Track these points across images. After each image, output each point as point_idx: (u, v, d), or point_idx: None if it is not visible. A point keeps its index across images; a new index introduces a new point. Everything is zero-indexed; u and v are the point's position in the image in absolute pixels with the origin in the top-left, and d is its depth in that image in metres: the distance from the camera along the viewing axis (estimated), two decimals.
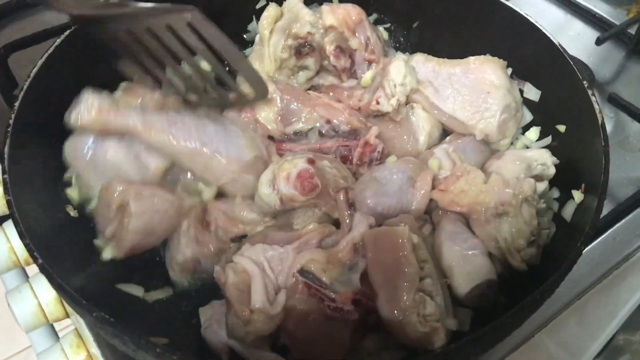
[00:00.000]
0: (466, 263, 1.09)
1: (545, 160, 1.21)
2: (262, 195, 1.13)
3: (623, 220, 1.38)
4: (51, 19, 1.62)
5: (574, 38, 1.87)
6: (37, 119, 1.14)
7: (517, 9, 1.33)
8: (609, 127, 1.61)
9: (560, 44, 1.24)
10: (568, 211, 1.14)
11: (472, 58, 1.33)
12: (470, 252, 1.10)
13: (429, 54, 1.44)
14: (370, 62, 1.39)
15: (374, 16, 1.58)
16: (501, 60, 1.32)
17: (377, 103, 1.29)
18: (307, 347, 1.00)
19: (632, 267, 1.41)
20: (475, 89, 1.30)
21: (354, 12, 1.39)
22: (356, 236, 1.06)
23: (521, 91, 1.36)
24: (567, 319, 1.34)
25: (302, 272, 1.02)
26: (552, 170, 1.20)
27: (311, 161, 1.11)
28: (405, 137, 1.32)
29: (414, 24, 1.55)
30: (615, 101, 1.61)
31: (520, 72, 1.37)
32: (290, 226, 1.13)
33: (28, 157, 1.09)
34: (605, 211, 1.28)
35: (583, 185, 1.12)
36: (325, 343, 0.99)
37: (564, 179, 1.20)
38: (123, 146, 1.15)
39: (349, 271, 1.04)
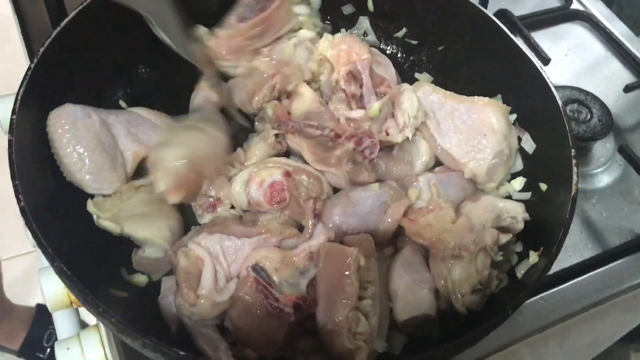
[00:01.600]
0: (411, 293, 1.16)
1: (516, 214, 1.24)
2: (234, 193, 1.22)
3: (607, 266, 1.45)
4: None
5: (608, 77, 1.86)
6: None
7: (535, 62, 1.34)
8: (616, 174, 1.65)
9: (563, 107, 1.26)
10: (521, 268, 1.19)
11: (477, 98, 1.36)
12: (417, 284, 1.17)
13: (444, 78, 1.48)
14: (380, 93, 1.42)
15: (404, 30, 1.61)
16: (505, 105, 1.35)
17: (387, 134, 1.33)
18: (245, 336, 1.09)
19: (615, 306, 1.48)
20: (474, 129, 1.34)
21: (359, 51, 1.44)
22: (314, 245, 1.13)
23: (520, 139, 1.38)
24: (547, 338, 1.43)
25: (255, 268, 1.10)
26: (520, 226, 1.24)
27: (287, 174, 1.19)
28: (402, 161, 1.37)
29: (440, 47, 1.58)
30: (624, 152, 1.61)
31: (523, 120, 1.39)
32: (254, 222, 1.21)
33: None
34: (592, 253, 1.46)
35: (541, 249, 1.16)
36: (261, 337, 1.08)
37: (529, 237, 1.24)
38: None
39: (299, 275, 1.11)
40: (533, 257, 1.17)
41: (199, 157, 1.21)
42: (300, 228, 1.23)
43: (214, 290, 1.08)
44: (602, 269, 1.45)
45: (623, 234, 1.53)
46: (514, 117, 1.39)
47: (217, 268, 1.12)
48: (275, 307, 1.08)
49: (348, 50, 1.43)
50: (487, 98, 1.36)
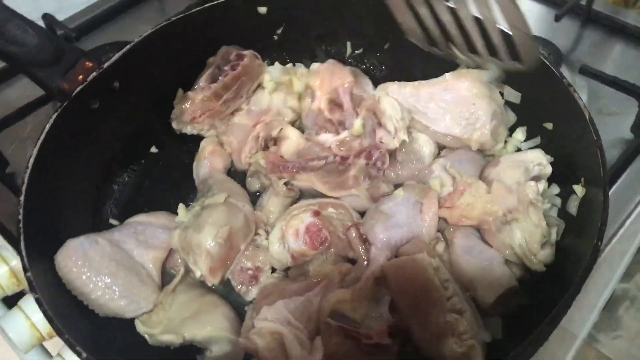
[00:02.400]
0: (486, 274, 1.13)
1: (540, 160, 1.25)
2: (274, 254, 1.17)
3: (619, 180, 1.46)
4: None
5: (534, 20, 1.93)
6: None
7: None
8: (584, 97, 1.65)
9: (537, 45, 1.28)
10: (572, 206, 1.18)
11: (447, 75, 1.37)
12: (488, 264, 1.14)
13: (405, 74, 1.48)
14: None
15: (349, 44, 1.61)
16: (474, 70, 1.35)
17: (382, 143, 1.32)
18: None
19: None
20: (459, 103, 1.34)
21: (341, 76, 1.44)
22: (376, 269, 1.09)
23: (502, 94, 1.40)
24: None
25: (334, 316, 1.04)
26: (548, 169, 1.25)
27: (316, 213, 1.15)
28: (410, 162, 1.36)
29: (385, 46, 1.59)
30: (587, 72, 1.68)
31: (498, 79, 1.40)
32: (305, 274, 1.16)
33: None
34: None
35: (582, 179, 1.16)
36: None
37: (561, 175, 1.24)
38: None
39: (377, 305, 1.06)
40: (579, 189, 1.16)
41: (231, 232, 1.15)
42: (351, 262, 1.18)
43: (307, 354, 1.01)
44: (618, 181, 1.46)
45: (618, 144, 1.55)
46: (488, 75, 1.39)
47: (297, 333, 1.05)
48: (372, 345, 1.02)
49: (330, 77, 1.42)
50: (456, 71, 1.36)
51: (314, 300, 1.09)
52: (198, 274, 1.15)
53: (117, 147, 1.42)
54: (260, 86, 1.48)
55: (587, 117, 1.15)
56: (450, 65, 1.39)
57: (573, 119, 1.19)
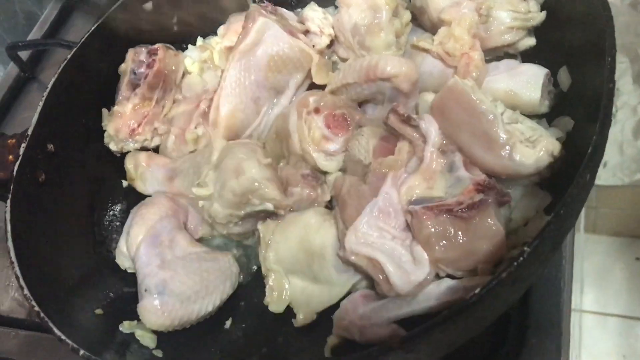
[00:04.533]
0: (517, 76, 1.07)
1: None
2: (322, 167, 1.12)
3: None
4: None
5: None
6: None
7: None
8: None
9: None
10: None
11: None
12: (510, 69, 1.09)
13: None
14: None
15: None
16: None
17: (314, 46, 1.23)
18: (470, 258, 0.92)
19: None
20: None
21: None
22: (436, 140, 0.99)
23: None
24: None
25: (413, 202, 0.94)
26: None
27: (317, 110, 1.12)
28: None
29: None
30: None
31: None
32: (360, 163, 1.07)
33: None
34: None
35: None
36: (483, 241, 0.91)
37: None
38: None
39: (451, 173, 0.97)
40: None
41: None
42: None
43: (406, 274, 0.92)
44: None
45: None
46: None
47: (393, 248, 0.95)
48: (468, 206, 0.91)
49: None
50: None
51: (390, 193, 0.98)
52: (270, 206, 1.06)
53: (91, 191, 1.30)
54: (185, 73, 1.37)
55: None
56: None
57: None
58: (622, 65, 1.79)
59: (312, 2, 1.30)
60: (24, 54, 1.80)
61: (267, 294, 1.07)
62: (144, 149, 1.31)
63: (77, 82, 1.29)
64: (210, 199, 1.09)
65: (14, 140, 1.20)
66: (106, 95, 1.34)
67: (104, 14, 1.35)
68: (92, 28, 1.33)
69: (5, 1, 1.95)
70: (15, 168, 1.14)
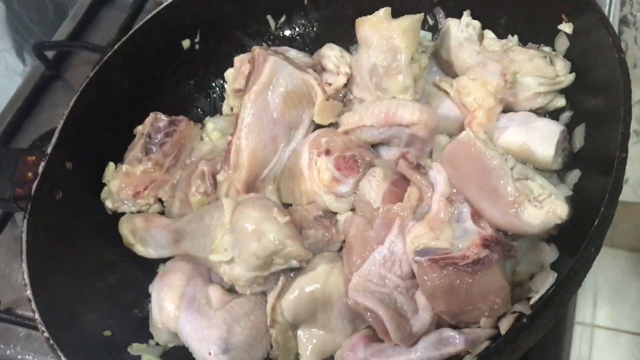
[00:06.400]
0: (533, 131, 1.07)
1: (464, 22, 1.22)
2: (332, 207, 1.13)
3: None
4: None
5: None
6: None
7: None
8: None
9: None
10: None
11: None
12: (527, 123, 1.09)
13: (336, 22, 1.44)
14: None
15: (269, 18, 1.52)
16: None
17: (329, 85, 1.25)
18: (474, 312, 0.94)
19: None
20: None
21: None
22: (444, 189, 1.00)
23: None
24: None
25: (419, 253, 0.95)
26: (477, 24, 1.22)
27: (327, 152, 1.11)
28: None
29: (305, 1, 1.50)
30: None
31: None
32: (369, 205, 1.07)
33: None
34: None
35: (563, 15, 1.11)
36: (487, 296, 0.93)
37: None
38: None
39: (458, 224, 0.98)
40: (565, 27, 1.11)
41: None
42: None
43: (407, 325, 0.94)
44: None
45: None
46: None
47: (396, 300, 0.97)
48: (473, 261, 0.92)
49: None
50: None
51: (396, 242, 1.00)
52: (295, 263, 1.04)
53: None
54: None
55: None
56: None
57: None
58: None
59: (329, 43, 1.31)
60: (49, 52, 1.82)
61: (273, 346, 1.07)
62: (139, 211, 1.29)
63: (97, 101, 1.31)
64: (231, 263, 1.06)
65: (34, 158, 1.22)
66: (125, 114, 1.36)
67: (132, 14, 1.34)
68: (116, 46, 1.34)
69: None
70: (34, 185, 1.16)
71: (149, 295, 1.18)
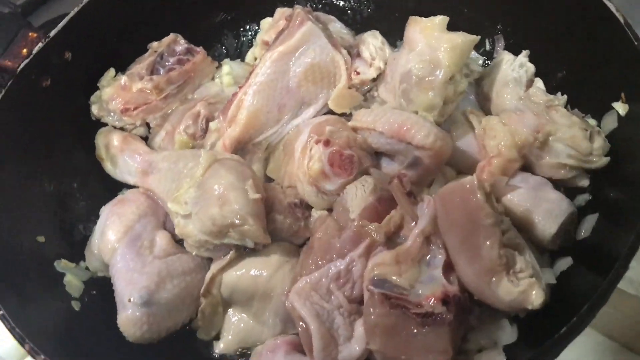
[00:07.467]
0: (542, 202, 0.98)
1: (518, 61, 1.13)
2: (311, 202, 1.05)
3: None
4: None
5: None
6: None
7: None
8: None
9: None
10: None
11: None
12: (539, 190, 1.00)
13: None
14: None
15: None
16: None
17: (358, 74, 1.17)
18: None
19: None
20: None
21: None
22: (426, 227, 0.90)
23: None
24: None
25: (375, 282, 0.87)
26: (530, 65, 1.13)
27: (327, 143, 1.01)
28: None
29: None
30: None
31: None
32: (346, 212, 0.99)
33: None
34: None
35: (622, 94, 1.01)
36: (426, 354, 0.85)
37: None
38: None
39: (428, 267, 0.89)
40: (619, 107, 0.99)
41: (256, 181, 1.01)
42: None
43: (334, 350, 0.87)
44: None
45: None
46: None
47: (336, 319, 0.90)
48: (426, 314, 0.85)
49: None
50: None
51: (357, 262, 0.92)
52: (250, 243, 0.96)
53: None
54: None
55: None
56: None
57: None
58: None
59: (376, 30, 1.22)
60: None
61: (198, 316, 1.01)
62: (122, 128, 1.22)
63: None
64: (187, 218, 0.98)
65: (35, 35, 1.15)
66: (146, 26, 1.28)
67: None
68: None
69: None
70: (23, 64, 1.09)
71: (98, 217, 1.11)
